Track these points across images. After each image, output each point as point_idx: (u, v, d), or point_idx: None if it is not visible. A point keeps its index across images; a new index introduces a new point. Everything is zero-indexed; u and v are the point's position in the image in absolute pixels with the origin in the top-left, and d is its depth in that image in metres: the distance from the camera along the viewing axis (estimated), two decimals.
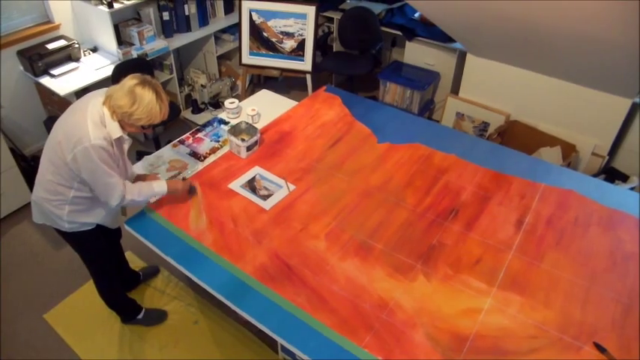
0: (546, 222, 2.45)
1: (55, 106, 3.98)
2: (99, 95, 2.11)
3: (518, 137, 3.86)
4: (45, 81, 3.73)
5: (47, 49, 3.78)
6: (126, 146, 2.22)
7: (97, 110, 2.05)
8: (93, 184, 2.09)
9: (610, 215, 2.49)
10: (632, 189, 3.25)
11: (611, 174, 3.63)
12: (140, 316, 2.86)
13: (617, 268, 2.20)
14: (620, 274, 2.18)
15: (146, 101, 2.02)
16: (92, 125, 2.00)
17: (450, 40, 4.14)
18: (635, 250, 2.30)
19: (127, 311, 2.85)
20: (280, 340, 1.95)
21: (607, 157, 3.64)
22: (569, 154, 3.62)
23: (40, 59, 3.71)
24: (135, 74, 2.09)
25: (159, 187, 2.35)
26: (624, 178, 3.56)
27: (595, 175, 3.55)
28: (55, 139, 2.07)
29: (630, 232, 2.40)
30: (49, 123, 3.98)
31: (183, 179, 2.54)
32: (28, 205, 3.64)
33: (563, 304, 2.05)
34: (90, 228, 2.32)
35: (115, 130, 2.08)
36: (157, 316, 2.91)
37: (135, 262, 3.20)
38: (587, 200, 2.59)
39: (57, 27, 3.96)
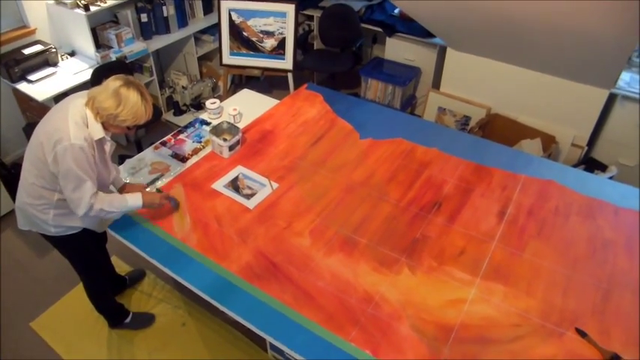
0: (527, 212, 2.48)
1: (33, 112, 3.94)
2: (80, 97, 2.09)
3: (499, 130, 3.90)
4: (22, 87, 3.68)
5: (23, 54, 3.73)
6: (107, 148, 2.20)
7: (79, 111, 2.02)
8: (63, 186, 2.04)
9: (589, 204, 2.54)
10: (610, 178, 3.30)
11: (591, 164, 3.69)
12: (128, 320, 2.84)
13: (597, 256, 2.25)
14: (599, 261, 2.22)
15: (132, 102, 2.01)
16: (73, 125, 1.97)
17: (430, 35, 4.17)
18: (613, 237, 2.35)
19: (115, 315, 2.83)
20: (268, 338, 1.96)
21: (586, 148, 3.70)
22: (549, 145, 3.67)
23: (16, 65, 3.67)
24: (118, 75, 2.07)
25: (133, 200, 2.26)
26: (603, 168, 3.62)
27: (575, 166, 3.61)
28: (37, 140, 2.04)
29: (609, 220, 2.44)
30: (29, 129, 3.93)
31: (158, 190, 2.51)
32: (9, 214, 3.60)
33: (545, 292, 2.08)
34: (76, 231, 2.30)
35: (98, 131, 2.05)
36: (145, 320, 2.90)
37: (120, 267, 3.18)
38: (567, 190, 2.63)
39: (33, 32, 3.92)
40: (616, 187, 2.68)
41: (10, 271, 3.26)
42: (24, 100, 3.91)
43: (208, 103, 3.23)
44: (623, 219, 2.44)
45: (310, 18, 5.12)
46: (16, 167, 3.40)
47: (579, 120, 3.61)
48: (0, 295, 3.08)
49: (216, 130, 2.88)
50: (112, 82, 2.02)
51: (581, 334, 1.90)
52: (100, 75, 3.59)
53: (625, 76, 3.51)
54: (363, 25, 4.62)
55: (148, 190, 2.56)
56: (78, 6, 3.79)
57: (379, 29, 4.54)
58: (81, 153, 1.98)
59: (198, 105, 4.79)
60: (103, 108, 2.01)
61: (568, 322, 1.96)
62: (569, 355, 1.85)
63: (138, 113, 2.04)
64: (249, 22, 4.28)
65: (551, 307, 2.02)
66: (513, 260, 2.23)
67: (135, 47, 4.12)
